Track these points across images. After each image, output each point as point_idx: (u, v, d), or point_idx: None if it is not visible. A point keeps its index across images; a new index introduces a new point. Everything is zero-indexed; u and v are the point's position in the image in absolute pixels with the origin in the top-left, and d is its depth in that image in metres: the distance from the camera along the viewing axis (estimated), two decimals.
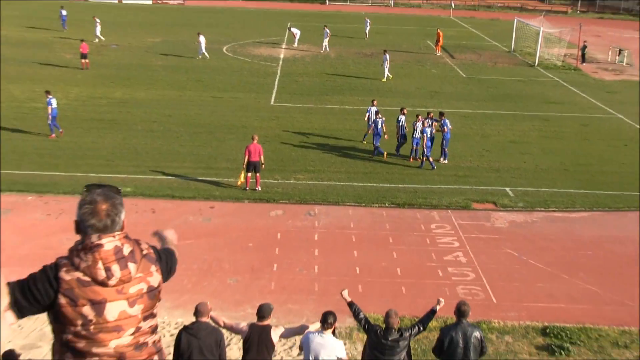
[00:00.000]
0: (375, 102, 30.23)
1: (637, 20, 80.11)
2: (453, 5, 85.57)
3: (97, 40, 51.82)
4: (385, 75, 44.00)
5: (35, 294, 3.84)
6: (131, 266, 4.03)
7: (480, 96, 40.97)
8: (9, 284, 3.87)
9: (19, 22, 60.53)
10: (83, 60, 43.45)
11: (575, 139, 32.90)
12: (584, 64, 52.58)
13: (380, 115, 28.93)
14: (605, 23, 76.78)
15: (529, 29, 56.76)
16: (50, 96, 29.28)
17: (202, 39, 49.18)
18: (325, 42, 54.70)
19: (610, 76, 49.26)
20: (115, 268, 3.95)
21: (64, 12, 58.79)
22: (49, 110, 29.04)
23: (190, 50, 50.83)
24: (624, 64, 52.88)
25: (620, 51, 54.18)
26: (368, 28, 63.02)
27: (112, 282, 3.95)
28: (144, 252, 4.21)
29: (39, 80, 39.56)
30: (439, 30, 56.68)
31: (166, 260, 4.51)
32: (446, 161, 28.34)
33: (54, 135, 29.31)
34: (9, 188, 22.94)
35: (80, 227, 4.00)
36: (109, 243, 3.98)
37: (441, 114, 28.70)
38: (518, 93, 42.29)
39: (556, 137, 33.13)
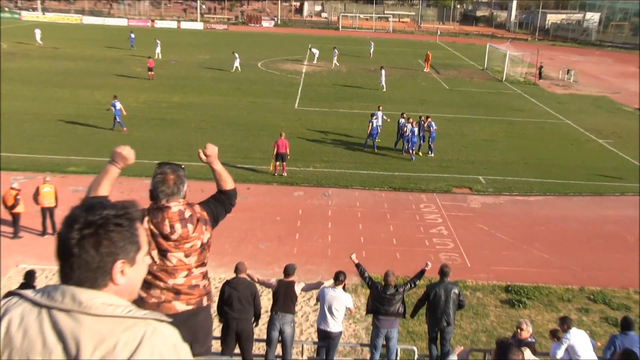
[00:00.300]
0: (380, 108, 30.16)
1: (581, 47, 79.98)
2: (439, 33, 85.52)
3: (157, 57, 51.72)
4: (383, 86, 43.70)
5: None
6: (189, 227, 4.23)
7: (459, 104, 40.75)
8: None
9: (100, 44, 60.84)
10: (150, 73, 43.50)
11: (534, 139, 32.75)
12: (541, 80, 52.25)
13: (375, 117, 28.78)
14: (557, 49, 76.33)
15: (498, 52, 56.34)
16: (115, 100, 29.48)
17: (236, 55, 49.32)
18: (335, 59, 54.44)
19: (561, 90, 48.90)
20: (178, 226, 4.18)
21: (132, 35, 59.06)
22: (113, 110, 29.29)
23: (231, 65, 50.76)
24: (572, 80, 52.50)
25: (568, 71, 53.87)
26: (372, 49, 62.72)
27: (174, 237, 4.18)
28: (199, 215, 4.35)
29: (115, 88, 39.49)
30: (428, 52, 56.38)
31: (224, 207, 4.72)
32: (432, 155, 28.31)
33: (125, 129, 29.44)
34: (92, 171, 23.19)
35: (153, 194, 4.26)
36: (175, 206, 4.22)
37: (427, 117, 28.73)
38: (489, 102, 42.06)
39: (519, 137, 33.02)
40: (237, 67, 49.14)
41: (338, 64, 54.45)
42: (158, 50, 53.56)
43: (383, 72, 44.56)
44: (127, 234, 2.21)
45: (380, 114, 29.41)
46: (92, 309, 2.03)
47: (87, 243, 2.11)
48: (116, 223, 2.18)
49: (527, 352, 9.40)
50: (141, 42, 58.55)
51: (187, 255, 4.26)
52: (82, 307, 2.03)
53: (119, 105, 29.49)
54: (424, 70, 54.69)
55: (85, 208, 2.18)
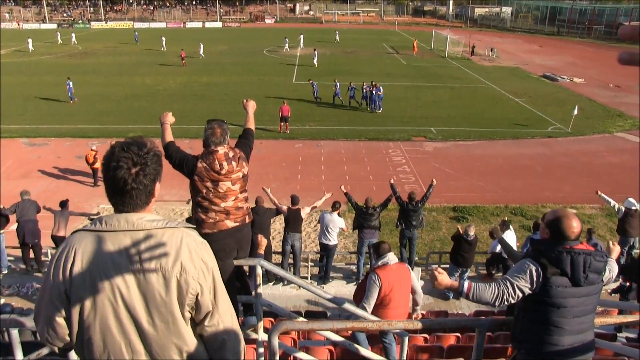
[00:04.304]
0: (352, 83, 30.26)
1: (500, 32, 79.36)
2: (397, 23, 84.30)
3: (163, 49, 51.43)
4: (315, 64, 42.80)
5: (183, 166, 4.27)
6: (233, 164, 4.26)
7: (415, 75, 40.04)
8: (172, 143, 4.43)
9: (144, 43, 59.37)
10: (183, 61, 42.49)
11: (469, 99, 32.37)
12: (473, 56, 51.37)
13: (353, 86, 29.50)
14: (483, 33, 74.76)
15: (441, 36, 55.52)
16: (69, 80, 29.47)
17: (201, 45, 48.03)
18: (301, 44, 53.61)
19: (487, 63, 48.15)
20: (225, 164, 4.22)
21: (137, 34, 60.31)
22: (67, 88, 29.25)
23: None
24: (494, 56, 51.68)
25: (492, 49, 53.02)
26: (338, 37, 60.76)
27: (222, 171, 4.22)
28: (238, 155, 4.36)
29: (160, 74, 39.15)
30: (415, 41, 54.44)
31: (249, 147, 4.68)
32: (381, 111, 28.37)
33: (73, 101, 29.42)
34: (147, 135, 22.69)
35: (206, 142, 4.28)
36: (221, 150, 4.25)
37: (375, 84, 29.09)
38: (436, 73, 41.43)
39: (458, 98, 32.57)
40: (201, 55, 47.24)
41: (303, 46, 53.16)
42: (163, 44, 52.38)
43: (316, 52, 44.01)
44: (159, 160, 2.22)
45: (338, 83, 29.90)
46: (142, 226, 2.06)
47: (140, 176, 2.10)
48: (154, 154, 2.19)
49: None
50: (172, 40, 57.11)
51: (233, 184, 4.30)
52: (135, 226, 2.06)
53: (71, 84, 29.29)
54: (412, 54, 51.82)
55: (125, 148, 2.14)
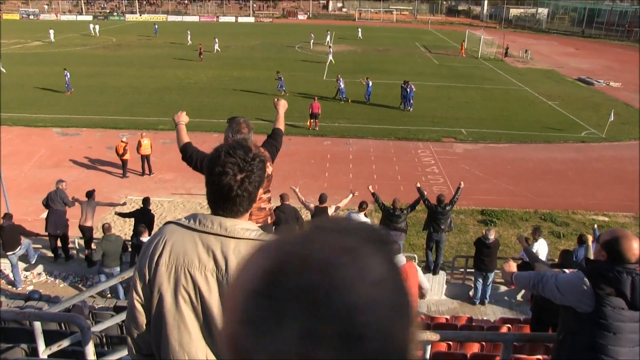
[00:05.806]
0: (368, 77, 30.46)
1: (535, 33, 78.18)
2: (430, 22, 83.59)
3: (188, 43, 51.15)
4: (329, 61, 42.23)
5: (197, 165, 4.07)
6: None
7: (446, 75, 39.56)
8: (189, 144, 4.28)
9: (176, 36, 59.93)
10: (200, 56, 42.58)
11: (501, 101, 31.83)
12: (506, 58, 50.46)
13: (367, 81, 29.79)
14: (517, 34, 73.55)
15: (474, 37, 54.72)
16: (66, 71, 29.41)
17: (216, 40, 47.12)
18: (328, 40, 53.39)
19: (521, 65, 47.29)
20: None
21: (156, 26, 59.90)
22: (65, 80, 29.21)
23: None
24: (528, 58, 50.77)
25: (526, 51, 52.04)
26: (360, 34, 60.42)
27: None
28: (263, 154, 4.19)
29: (190, 67, 39.52)
30: (463, 42, 53.37)
31: (276, 148, 4.51)
32: (411, 109, 28.23)
33: (71, 91, 29.50)
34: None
35: (231, 138, 4.03)
36: None
37: (407, 82, 28.65)
38: (468, 73, 40.82)
39: (490, 100, 32.07)
40: (216, 50, 46.63)
41: (331, 43, 52.33)
42: (188, 38, 52.15)
43: (331, 49, 43.75)
44: (264, 166, 2.17)
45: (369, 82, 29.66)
46: (234, 233, 2.02)
47: (246, 183, 2.05)
48: (260, 160, 2.13)
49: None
50: (197, 34, 57.46)
51: None
52: (228, 232, 2.02)
53: (68, 74, 29.36)
54: (460, 55, 51.03)
55: (232, 152, 2.07)
